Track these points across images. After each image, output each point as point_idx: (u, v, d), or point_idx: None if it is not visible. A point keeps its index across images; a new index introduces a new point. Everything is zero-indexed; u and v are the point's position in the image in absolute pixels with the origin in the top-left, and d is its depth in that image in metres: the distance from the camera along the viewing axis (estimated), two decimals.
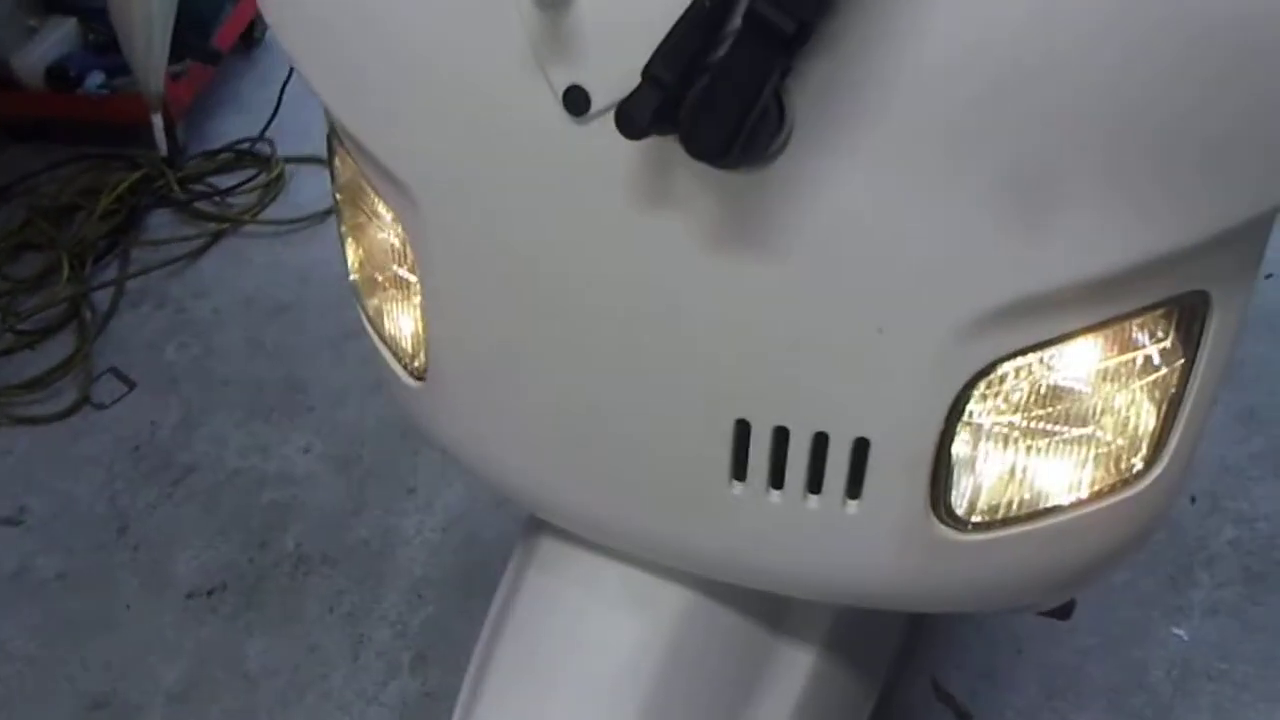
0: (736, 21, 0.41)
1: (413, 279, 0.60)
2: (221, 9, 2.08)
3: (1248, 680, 1.15)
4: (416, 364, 0.63)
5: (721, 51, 0.42)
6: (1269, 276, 1.56)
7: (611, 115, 0.44)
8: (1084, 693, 1.13)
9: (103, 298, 1.69)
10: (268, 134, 1.97)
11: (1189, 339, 0.50)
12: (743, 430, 0.52)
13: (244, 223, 1.84)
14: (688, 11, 0.42)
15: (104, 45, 1.94)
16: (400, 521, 1.33)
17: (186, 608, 1.25)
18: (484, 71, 0.50)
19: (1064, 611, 0.84)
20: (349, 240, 0.66)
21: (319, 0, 0.54)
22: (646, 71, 0.43)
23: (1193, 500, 1.31)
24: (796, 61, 0.43)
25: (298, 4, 0.56)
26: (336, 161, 0.64)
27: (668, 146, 0.46)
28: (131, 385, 1.54)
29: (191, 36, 1.91)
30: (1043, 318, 0.47)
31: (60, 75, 1.90)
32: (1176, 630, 1.19)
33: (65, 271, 1.68)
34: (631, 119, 0.43)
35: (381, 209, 0.60)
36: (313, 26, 0.56)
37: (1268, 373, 1.48)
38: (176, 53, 1.85)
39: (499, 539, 1.30)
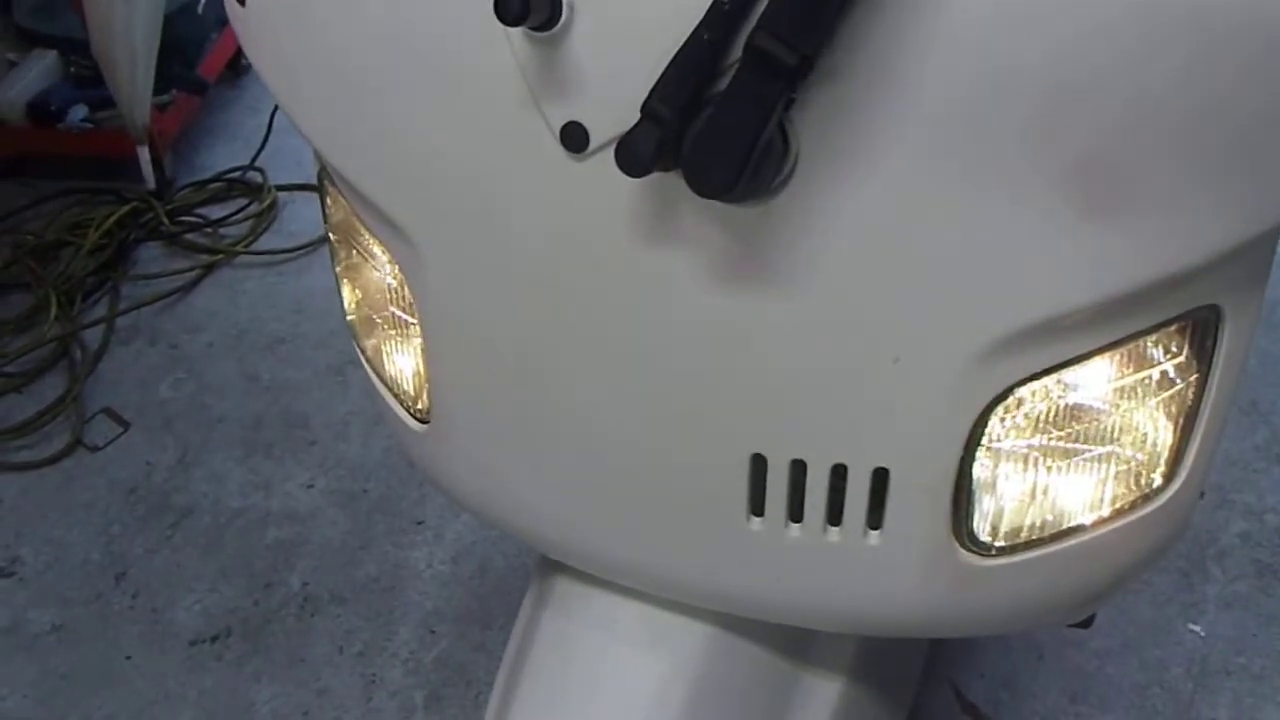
0: (736, 54, 0.41)
1: (412, 320, 0.59)
2: (207, 37, 2.06)
3: (1265, 673, 1.14)
4: (419, 406, 0.62)
5: (722, 85, 0.41)
6: None
7: (611, 151, 0.43)
8: (1106, 695, 1.13)
9: (93, 336, 1.66)
10: (258, 162, 1.95)
11: (1203, 352, 0.50)
12: (759, 465, 0.51)
13: (236, 254, 1.82)
14: (686, 45, 0.41)
15: (86, 78, 1.92)
16: (409, 555, 1.32)
17: (190, 656, 1.22)
18: (479, 109, 0.49)
19: (1085, 621, 0.83)
20: (344, 280, 0.65)
21: (305, 43, 0.53)
22: (646, 107, 0.42)
23: (1201, 495, 1.31)
24: (799, 92, 0.42)
25: (284, 47, 0.55)
26: (328, 201, 0.63)
27: (670, 181, 0.45)
28: (125, 425, 1.52)
29: (176, 66, 1.90)
30: (1058, 340, 0.47)
31: (42, 110, 1.89)
32: (1193, 627, 1.19)
33: (53, 310, 1.66)
34: (632, 156, 0.42)
35: (377, 249, 0.59)
36: (300, 70, 0.55)
37: (1269, 365, 1.48)
38: (162, 83, 1.84)
39: (512, 568, 1.29)
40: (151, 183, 1.87)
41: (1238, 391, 0.52)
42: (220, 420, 1.52)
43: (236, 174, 1.97)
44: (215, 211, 1.91)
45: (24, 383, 1.58)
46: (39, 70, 1.94)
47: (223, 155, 2.04)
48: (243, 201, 1.92)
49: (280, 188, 1.94)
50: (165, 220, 1.86)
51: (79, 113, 1.90)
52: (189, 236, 1.86)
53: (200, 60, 2.01)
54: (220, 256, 1.82)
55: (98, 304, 1.73)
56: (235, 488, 1.42)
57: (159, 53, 1.75)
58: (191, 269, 1.78)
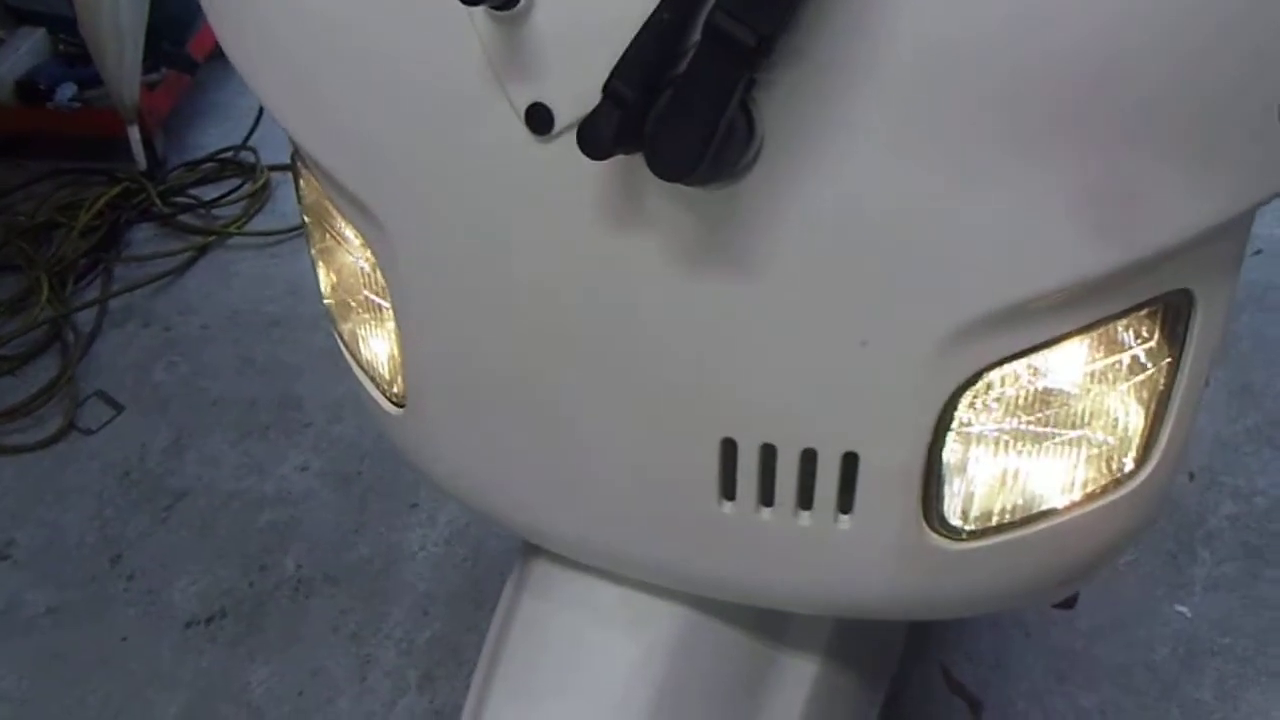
0: (697, 34, 0.40)
1: (385, 304, 0.58)
2: (196, 15, 2.04)
3: (1250, 654, 1.15)
4: (395, 390, 0.62)
5: (683, 66, 0.40)
6: (1258, 252, 1.55)
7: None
8: (1092, 674, 1.13)
9: (86, 318, 1.66)
10: (251, 142, 1.94)
11: (1174, 337, 0.49)
12: (729, 449, 0.51)
13: (229, 235, 1.82)
14: (646, 25, 0.41)
15: (75, 56, 1.91)
16: (403, 537, 1.32)
17: (185, 637, 1.23)
18: (447, 91, 0.48)
19: (1068, 602, 0.83)
20: (319, 263, 0.65)
21: (274, 25, 0.53)
22: (607, 88, 0.41)
23: (1191, 477, 1.31)
24: (763, 72, 0.41)
25: (250, 28, 0.54)
26: (302, 183, 0.63)
27: (636, 163, 0.44)
28: (119, 408, 1.52)
29: (166, 44, 1.89)
30: (1027, 324, 0.46)
31: (30, 88, 1.88)
32: (1179, 608, 1.19)
33: (45, 292, 1.66)
34: (593, 138, 0.41)
35: (349, 233, 0.59)
36: (269, 52, 0.54)
37: (1261, 348, 1.48)
38: (151, 61, 1.83)
39: (504, 550, 1.30)
40: (143, 163, 1.86)
41: (1209, 377, 0.51)
42: (214, 403, 1.52)
43: (229, 154, 1.96)
44: (208, 192, 1.90)
45: (16, 366, 1.58)
46: (27, 48, 1.93)
47: (215, 135, 2.03)
48: (236, 182, 1.91)
49: (273, 168, 1.93)
50: (157, 201, 1.85)
51: (68, 91, 1.89)
52: (182, 217, 1.86)
53: (190, 38, 2.00)
54: (213, 237, 1.81)
55: (90, 286, 1.73)
56: (229, 470, 1.42)
57: (148, 30, 1.74)
58: (184, 250, 1.78)
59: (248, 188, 1.90)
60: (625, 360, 0.51)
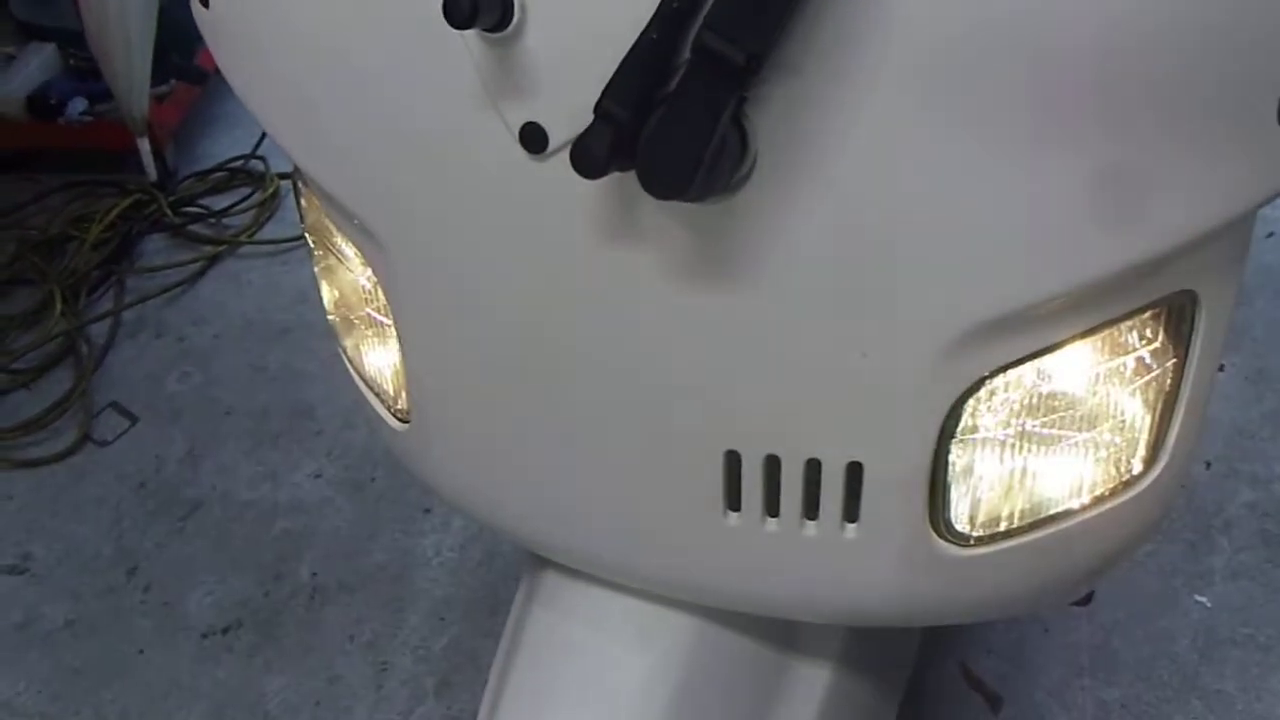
0: (687, 53, 0.40)
1: (387, 321, 0.59)
2: None
3: (1271, 643, 1.14)
4: (399, 405, 0.62)
5: (673, 85, 0.40)
6: (1270, 235, 1.53)
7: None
8: (1112, 668, 1.13)
9: (99, 330, 1.67)
10: (260, 150, 1.94)
11: (1179, 337, 0.49)
12: (733, 461, 0.51)
13: (240, 244, 1.82)
14: (636, 45, 0.41)
15: (85, 70, 1.91)
16: (417, 543, 1.32)
17: (202, 648, 1.24)
18: (442, 112, 0.48)
19: (1084, 599, 0.83)
20: (322, 280, 0.65)
21: (271, 49, 0.53)
22: (599, 107, 0.41)
23: (1208, 465, 1.30)
24: (754, 88, 0.41)
25: (246, 50, 0.55)
26: (303, 201, 0.63)
27: (631, 180, 0.44)
28: (133, 420, 1.53)
29: (175, 56, 1.89)
30: (1030, 330, 0.46)
31: (41, 104, 1.89)
32: (1199, 598, 1.18)
33: (58, 305, 1.67)
34: (587, 157, 0.41)
35: (350, 251, 0.59)
36: (267, 74, 0.54)
37: (1276, 333, 1.46)
38: (160, 73, 1.83)
39: (519, 554, 1.30)
40: (153, 174, 1.87)
41: (1220, 367, 0.51)
42: (228, 412, 1.53)
43: (238, 163, 1.96)
44: (218, 202, 1.90)
45: (31, 379, 1.59)
46: (37, 63, 1.94)
47: (224, 144, 2.03)
48: (246, 191, 1.92)
49: (283, 176, 1.93)
50: (168, 212, 1.86)
51: (79, 105, 1.89)
52: (193, 228, 1.86)
53: (199, 50, 2.00)
54: (224, 247, 1.82)
55: (103, 298, 1.74)
56: (244, 479, 1.43)
57: (156, 43, 1.75)
58: (196, 260, 1.79)
59: (257, 196, 1.91)
60: (626, 375, 0.51)
